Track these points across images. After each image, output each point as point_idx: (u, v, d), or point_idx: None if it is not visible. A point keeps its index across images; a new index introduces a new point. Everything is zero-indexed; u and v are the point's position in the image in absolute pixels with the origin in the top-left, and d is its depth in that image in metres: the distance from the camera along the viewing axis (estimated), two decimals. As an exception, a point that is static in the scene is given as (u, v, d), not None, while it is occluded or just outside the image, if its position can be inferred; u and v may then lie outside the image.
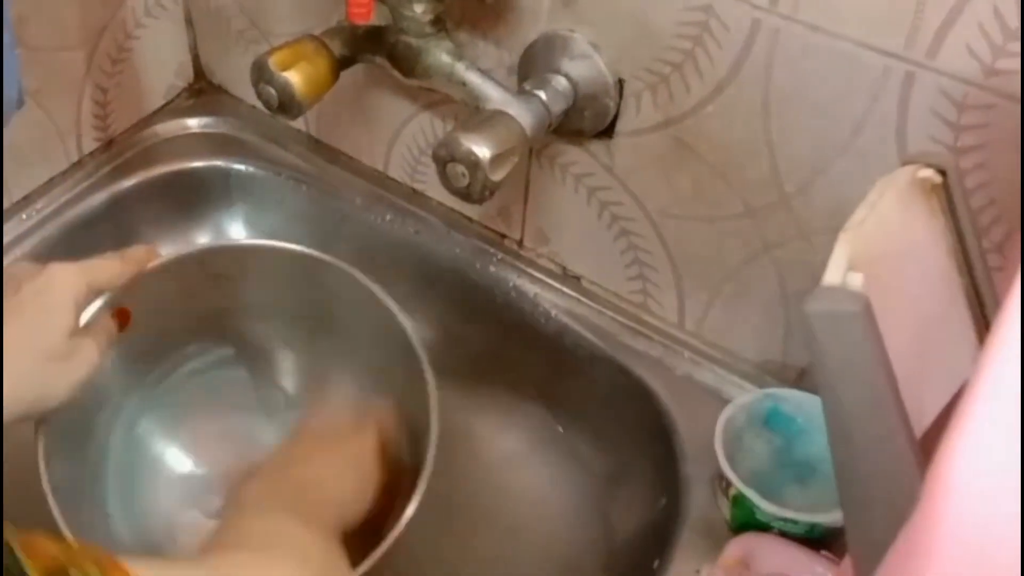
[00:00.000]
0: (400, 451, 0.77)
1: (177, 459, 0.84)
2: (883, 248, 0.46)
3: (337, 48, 0.80)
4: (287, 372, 0.89)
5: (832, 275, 0.44)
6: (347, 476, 0.72)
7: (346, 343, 0.83)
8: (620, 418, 0.86)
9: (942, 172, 0.50)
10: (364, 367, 0.83)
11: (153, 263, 0.75)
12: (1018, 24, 0.58)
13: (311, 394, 0.87)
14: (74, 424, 0.73)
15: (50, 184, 0.95)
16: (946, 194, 0.50)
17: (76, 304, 0.67)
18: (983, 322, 0.53)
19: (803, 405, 0.75)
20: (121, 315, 0.73)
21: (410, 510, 0.68)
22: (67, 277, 0.67)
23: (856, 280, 0.43)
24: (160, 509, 0.82)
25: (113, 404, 0.79)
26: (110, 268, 0.71)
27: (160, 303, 0.77)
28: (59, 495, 0.67)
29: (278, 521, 0.64)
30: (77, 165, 0.97)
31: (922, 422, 0.48)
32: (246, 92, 0.97)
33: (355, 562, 0.65)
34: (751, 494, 0.70)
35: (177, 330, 0.83)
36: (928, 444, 0.43)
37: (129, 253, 0.73)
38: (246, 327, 0.86)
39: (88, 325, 0.69)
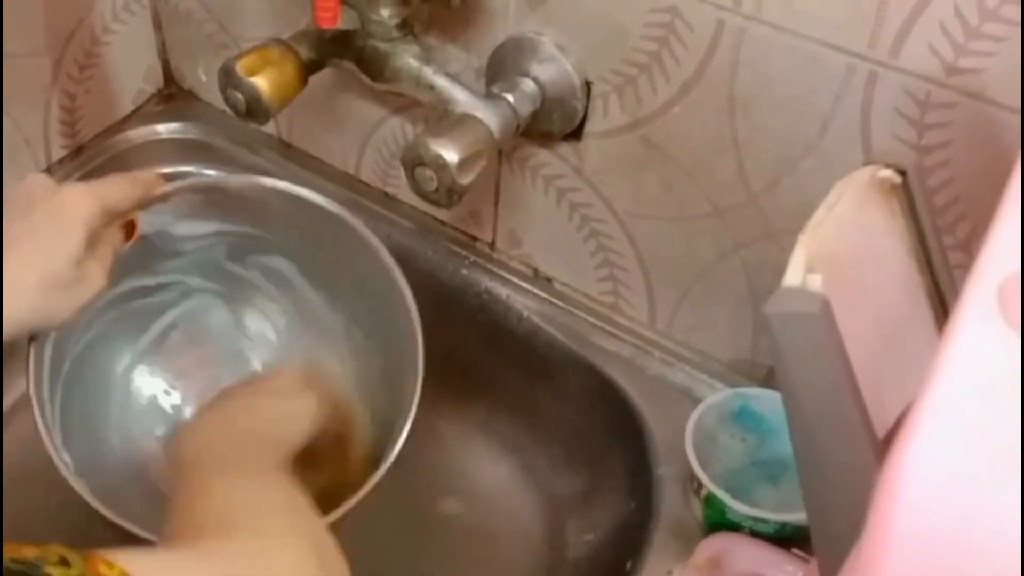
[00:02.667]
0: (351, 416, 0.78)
1: (159, 387, 0.86)
2: (843, 249, 0.46)
3: (305, 52, 0.80)
4: (275, 312, 0.89)
5: (792, 276, 0.44)
6: (277, 405, 0.72)
7: (339, 288, 0.84)
8: (591, 418, 0.87)
9: (902, 172, 0.50)
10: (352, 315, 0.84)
11: (160, 189, 0.74)
12: (979, 22, 0.58)
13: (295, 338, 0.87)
14: (64, 341, 0.73)
15: (18, 192, 0.94)
16: (906, 194, 0.51)
17: (89, 228, 0.66)
18: (944, 321, 0.53)
19: (773, 404, 0.76)
20: (128, 226, 0.74)
21: (383, 468, 0.70)
22: (81, 200, 0.66)
23: (815, 281, 0.43)
24: (139, 433, 0.83)
25: (100, 327, 0.79)
26: (121, 189, 0.70)
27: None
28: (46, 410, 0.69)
29: (247, 486, 0.62)
30: (46, 172, 0.96)
31: (885, 421, 0.48)
32: (216, 97, 0.97)
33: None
34: (722, 494, 0.70)
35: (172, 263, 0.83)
36: (890, 443, 0.43)
37: (138, 176, 0.73)
38: (244, 263, 0.86)
39: (93, 243, 0.69)
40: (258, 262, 0.85)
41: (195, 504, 0.60)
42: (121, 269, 0.74)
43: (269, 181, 0.79)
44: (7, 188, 0.69)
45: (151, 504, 0.73)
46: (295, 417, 0.71)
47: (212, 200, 0.78)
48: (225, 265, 0.85)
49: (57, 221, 0.65)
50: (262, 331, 0.89)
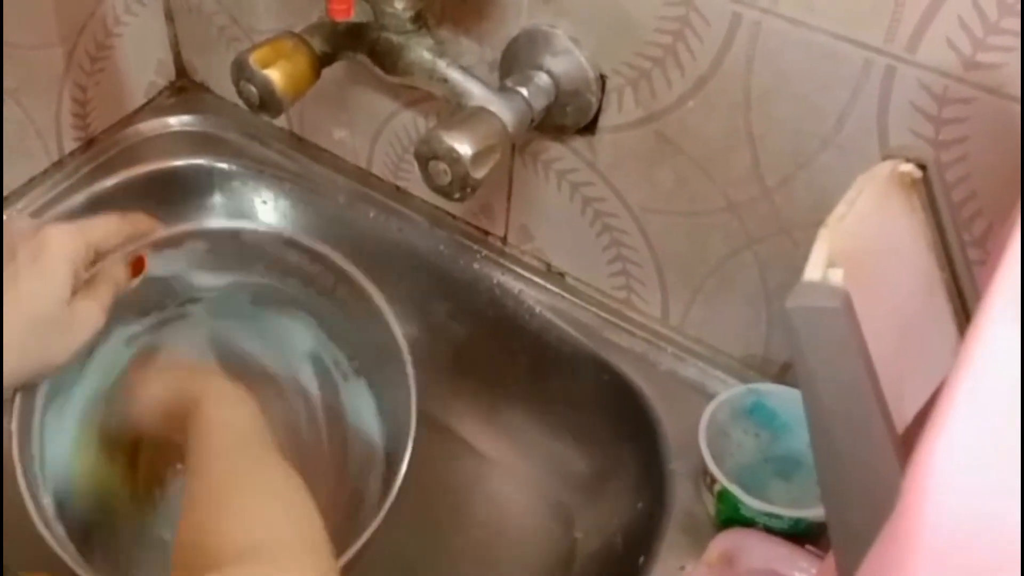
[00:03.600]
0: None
1: None
2: (863, 244, 0.46)
3: (318, 45, 0.80)
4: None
5: (812, 271, 0.43)
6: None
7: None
8: (604, 414, 0.86)
9: (922, 166, 0.50)
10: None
11: (155, 232, 0.73)
12: (997, 17, 0.58)
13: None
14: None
15: (30, 184, 0.94)
16: (926, 188, 0.50)
17: (74, 266, 0.65)
18: (964, 316, 0.53)
19: (786, 400, 0.75)
20: (136, 263, 0.72)
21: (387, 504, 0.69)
22: (63, 239, 0.65)
23: (836, 276, 0.43)
24: None
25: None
26: (107, 226, 0.69)
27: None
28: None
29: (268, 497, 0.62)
30: (57, 165, 0.96)
31: (903, 417, 0.48)
32: (228, 90, 0.97)
33: None
34: (736, 490, 0.70)
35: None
36: (909, 439, 0.43)
37: (129, 214, 0.72)
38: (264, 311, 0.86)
39: (92, 281, 0.67)
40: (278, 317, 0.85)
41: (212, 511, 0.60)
42: (133, 308, 0.73)
43: (265, 228, 0.80)
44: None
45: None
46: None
47: (222, 248, 0.78)
48: (246, 310, 0.85)
49: (38, 262, 0.63)
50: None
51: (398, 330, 0.76)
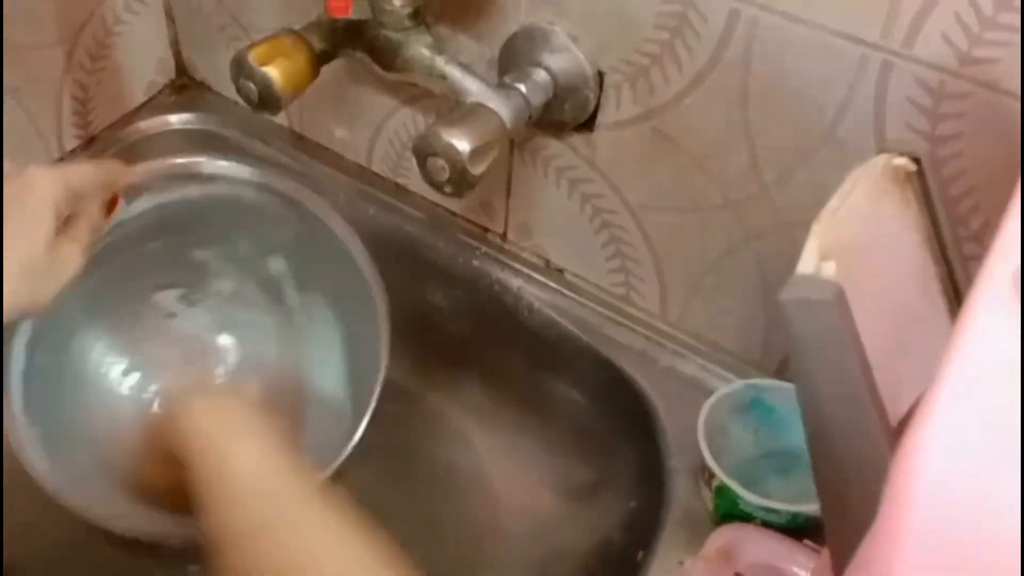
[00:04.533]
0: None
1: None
2: (857, 237, 0.46)
3: (317, 43, 0.80)
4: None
5: (805, 264, 0.44)
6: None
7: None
8: (603, 410, 0.87)
9: (916, 160, 0.50)
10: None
11: (128, 175, 0.75)
12: (993, 13, 0.58)
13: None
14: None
15: (31, 182, 0.94)
16: (920, 182, 0.51)
17: (57, 208, 0.66)
18: (958, 308, 0.53)
19: (785, 395, 0.76)
20: (111, 203, 0.73)
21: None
22: (47, 182, 0.66)
23: (829, 269, 0.43)
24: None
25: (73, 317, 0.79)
26: (85, 171, 0.70)
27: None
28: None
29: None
30: (58, 164, 0.97)
31: (898, 410, 0.48)
32: (228, 88, 0.97)
33: None
34: (734, 485, 0.70)
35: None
36: (904, 432, 0.43)
37: (102, 162, 0.74)
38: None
39: (70, 222, 0.68)
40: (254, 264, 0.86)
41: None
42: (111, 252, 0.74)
43: (237, 168, 0.80)
44: None
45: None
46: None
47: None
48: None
49: (26, 205, 0.65)
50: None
51: (370, 273, 0.79)
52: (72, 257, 0.68)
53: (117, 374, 0.84)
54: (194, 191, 0.80)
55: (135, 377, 0.84)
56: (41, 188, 0.65)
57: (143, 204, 0.78)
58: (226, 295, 0.87)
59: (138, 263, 0.81)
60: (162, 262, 0.83)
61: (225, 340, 0.88)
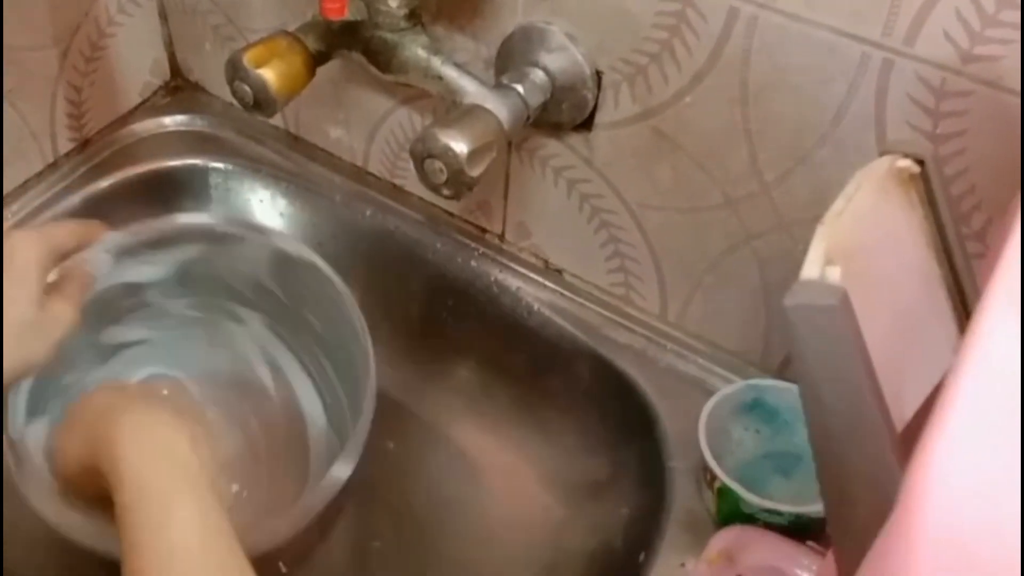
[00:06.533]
0: None
1: None
2: (861, 240, 0.46)
3: (312, 44, 0.79)
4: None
5: (810, 269, 0.43)
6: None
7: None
8: (603, 411, 0.86)
9: (920, 162, 0.50)
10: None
11: (105, 233, 0.76)
12: (995, 10, 0.57)
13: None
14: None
15: (25, 187, 0.94)
16: (924, 184, 0.50)
17: (40, 269, 0.68)
18: (964, 312, 0.52)
19: (786, 395, 0.75)
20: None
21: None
22: (27, 244, 0.68)
23: (834, 273, 0.43)
24: None
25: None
26: (68, 229, 0.72)
27: None
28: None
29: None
30: (52, 166, 0.96)
31: (903, 414, 0.48)
32: (223, 89, 0.96)
33: None
34: (736, 486, 0.70)
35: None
36: (909, 437, 0.42)
37: (83, 221, 0.76)
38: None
39: (60, 281, 0.70)
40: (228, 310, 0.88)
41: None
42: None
43: (204, 220, 0.83)
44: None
45: None
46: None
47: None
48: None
49: (10, 269, 0.66)
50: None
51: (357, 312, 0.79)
52: (65, 314, 0.69)
53: None
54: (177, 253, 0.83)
55: None
56: (23, 251, 0.67)
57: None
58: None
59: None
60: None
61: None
